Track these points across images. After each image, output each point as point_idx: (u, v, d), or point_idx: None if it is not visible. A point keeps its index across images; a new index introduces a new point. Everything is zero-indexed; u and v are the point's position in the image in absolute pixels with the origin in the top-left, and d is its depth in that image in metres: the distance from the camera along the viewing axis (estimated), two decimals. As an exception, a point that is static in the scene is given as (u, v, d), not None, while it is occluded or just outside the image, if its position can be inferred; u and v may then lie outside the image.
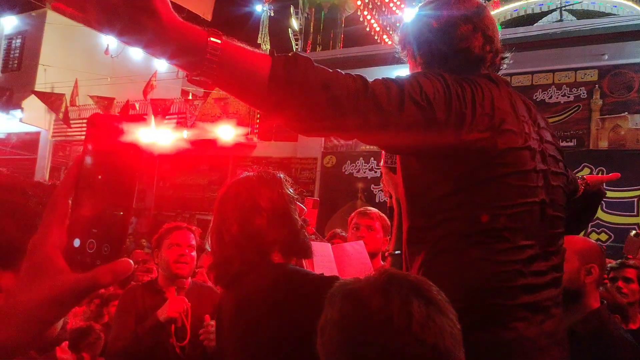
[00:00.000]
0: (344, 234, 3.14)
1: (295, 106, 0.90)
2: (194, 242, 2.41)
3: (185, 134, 11.50)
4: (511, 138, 1.07)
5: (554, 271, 1.17)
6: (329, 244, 1.82)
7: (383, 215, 2.67)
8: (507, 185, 1.08)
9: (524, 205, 1.09)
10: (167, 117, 11.52)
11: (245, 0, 12.96)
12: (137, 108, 12.80)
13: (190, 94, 12.78)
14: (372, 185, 10.40)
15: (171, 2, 0.75)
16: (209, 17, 8.89)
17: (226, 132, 11.16)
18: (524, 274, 1.09)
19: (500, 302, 1.06)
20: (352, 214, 2.70)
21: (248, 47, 0.88)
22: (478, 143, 1.03)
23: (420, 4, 1.28)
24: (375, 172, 10.38)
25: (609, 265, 2.71)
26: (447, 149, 1.04)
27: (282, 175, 1.35)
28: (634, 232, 3.42)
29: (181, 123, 11.89)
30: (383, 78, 0.99)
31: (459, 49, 1.17)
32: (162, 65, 15.00)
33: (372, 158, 10.38)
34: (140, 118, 0.54)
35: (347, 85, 0.93)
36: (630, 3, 12.84)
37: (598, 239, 8.38)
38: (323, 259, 1.76)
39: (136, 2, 0.71)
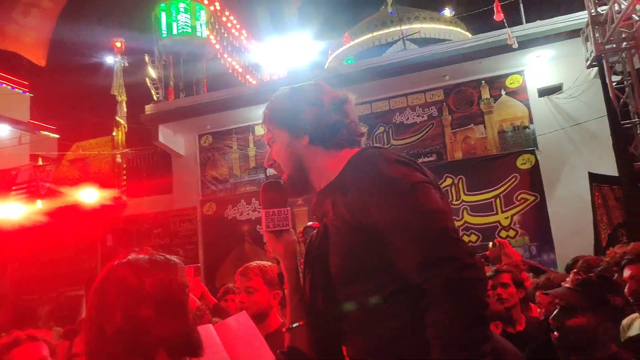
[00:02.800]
0: None
1: None
2: (45, 352, 1.97)
3: (40, 204, 10.20)
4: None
5: None
6: (211, 326, 1.59)
7: (266, 267, 2.44)
8: None
9: None
10: (14, 188, 10.12)
11: (93, 52, 12.19)
12: (-24, 182, 11.09)
13: (40, 159, 11.45)
14: (258, 226, 10.17)
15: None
16: (42, 63, 8.06)
17: (89, 195, 10.15)
18: None
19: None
20: (236, 275, 2.46)
21: None
22: None
23: (292, 87, 1.37)
24: (259, 212, 10.18)
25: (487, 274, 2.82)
26: None
27: (177, 260, 1.17)
28: (491, 243, 3.71)
29: (33, 192, 10.54)
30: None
31: (346, 123, 1.31)
32: (3, 130, 13.33)
33: (254, 199, 10.19)
34: None
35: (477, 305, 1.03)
36: (459, 29, 14.68)
37: (469, 241, 9.13)
38: (208, 344, 1.52)
39: None
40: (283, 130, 1.32)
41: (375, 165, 1.14)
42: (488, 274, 2.70)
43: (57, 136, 14.58)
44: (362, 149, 1.27)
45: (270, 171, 1.41)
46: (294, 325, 1.29)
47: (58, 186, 10.23)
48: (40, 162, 11.17)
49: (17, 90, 14.96)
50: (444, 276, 1.01)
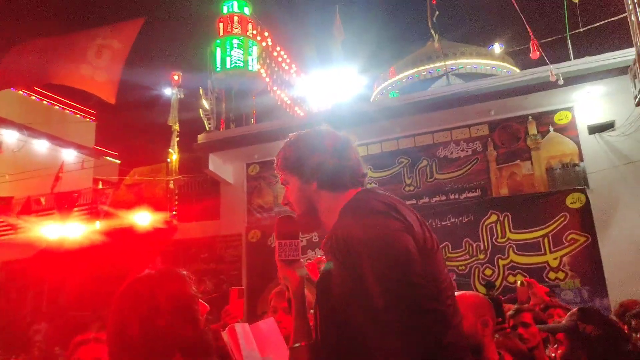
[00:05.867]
0: None
1: None
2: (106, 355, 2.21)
3: (98, 224, 10.88)
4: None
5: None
6: (247, 325, 1.75)
7: None
8: (438, 262, 1.30)
9: (447, 276, 1.33)
10: (75, 209, 10.87)
11: (153, 84, 13.08)
12: (43, 203, 12.00)
13: (100, 182, 12.26)
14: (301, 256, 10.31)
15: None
16: (112, 101, 8.75)
17: (143, 218, 10.72)
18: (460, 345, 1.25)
19: None
20: (271, 294, 2.63)
21: None
22: None
23: (296, 136, 1.52)
24: (302, 241, 10.32)
25: (507, 313, 2.82)
26: None
27: (184, 272, 1.32)
28: (519, 282, 3.66)
29: (93, 214, 11.27)
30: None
31: (348, 166, 1.45)
32: (69, 155, 14.41)
33: (296, 227, 10.36)
34: None
35: None
36: (506, 64, 14.58)
37: (515, 281, 8.83)
38: (246, 340, 1.69)
39: None
40: (294, 176, 1.48)
41: (354, 216, 1.28)
42: (509, 313, 2.69)
43: (119, 162, 15.58)
44: (357, 193, 1.41)
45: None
46: (296, 345, 1.42)
47: (116, 209, 10.89)
48: (100, 186, 11.95)
49: (84, 119, 16.20)
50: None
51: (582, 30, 8.53)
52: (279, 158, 1.53)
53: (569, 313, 1.74)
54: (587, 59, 8.68)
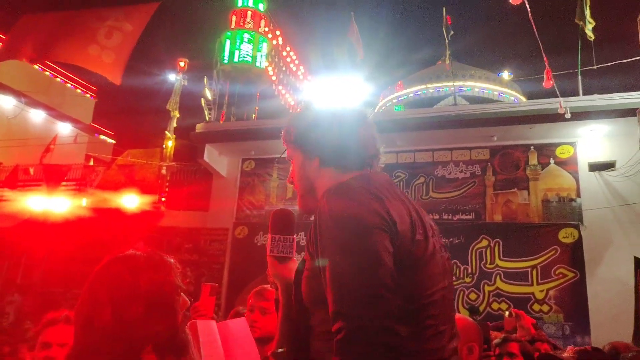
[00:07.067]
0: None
1: None
2: None
3: (85, 201, 10.68)
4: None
5: (455, 354, 1.18)
6: (214, 322, 1.64)
7: None
8: (426, 273, 1.12)
9: (439, 292, 1.14)
10: (63, 183, 10.66)
11: (158, 69, 12.93)
12: (32, 173, 11.77)
13: (92, 160, 12.06)
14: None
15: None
16: (118, 82, 8.62)
17: (131, 201, 10.54)
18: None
19: None
20: (251, 293, 2.52)
21: None
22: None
23: (311, 107, 1.41)
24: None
25: (494, 341, 2.75)
26: None
27: (172, 261, 1.20)
28: (507, 312, 3.59)
29: (81, 190, 11.06)
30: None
31: (355, 145, 1.31)
32: (65, 129, 14.20)
33: (285, 229, 10.23)
34: None
35: None
36: (513, 92, 14.64)
37: (499, 308, 8.76)
38: (209, 338, 1.58)
39: None
40: (298, 151, 1.35)
41: (331, 202, 1.13)
42: (496, 341, 2.61)
43: (114, 142, 15.37)
44: (351, 178, 1.23)
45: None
46: (279, 350, 1.30)
47: (105, 188, 10.69)
48: (91, 163, 11.75)
49: (85, 94, 16.00)
50: (345, 333, 0.99)
51: (595, 67, 8.51)
52: (285, 130, 1.39)
53: (576, 349, 1.67)
54: (596, 96, 8.67)
